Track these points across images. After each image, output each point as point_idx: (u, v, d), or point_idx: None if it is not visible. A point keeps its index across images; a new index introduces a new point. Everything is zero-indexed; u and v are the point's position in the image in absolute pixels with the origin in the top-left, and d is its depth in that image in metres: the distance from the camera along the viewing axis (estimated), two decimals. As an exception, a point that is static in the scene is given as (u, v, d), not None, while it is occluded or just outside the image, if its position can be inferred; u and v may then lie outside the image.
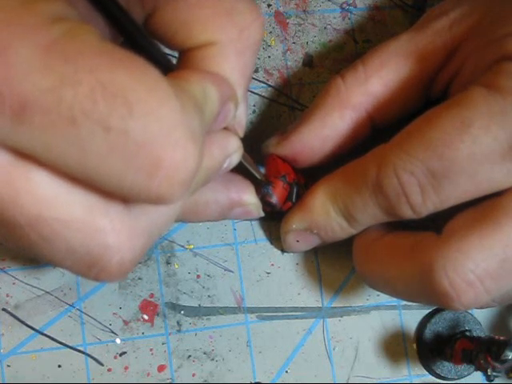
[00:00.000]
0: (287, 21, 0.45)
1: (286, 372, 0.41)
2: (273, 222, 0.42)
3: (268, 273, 0.42)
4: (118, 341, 0.40)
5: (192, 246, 0.41)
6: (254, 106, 0.43)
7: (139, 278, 0.40)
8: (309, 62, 0.45)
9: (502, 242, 0.32)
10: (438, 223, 0.35)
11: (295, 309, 0.42)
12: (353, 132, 0.38)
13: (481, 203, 0.33)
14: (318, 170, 0.39)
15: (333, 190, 0.37)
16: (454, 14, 0.37)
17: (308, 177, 0.40)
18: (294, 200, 0.39)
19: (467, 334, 0.42)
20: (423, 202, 0.33)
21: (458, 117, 0.32)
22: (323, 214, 0.37)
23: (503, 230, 0.32)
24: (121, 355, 0.40)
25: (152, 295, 0.40)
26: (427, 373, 0.43)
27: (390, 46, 0.38)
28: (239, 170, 0.36)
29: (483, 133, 0.31)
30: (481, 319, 0.43)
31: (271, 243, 0.42)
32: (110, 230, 0.25)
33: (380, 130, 0.39)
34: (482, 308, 0.37)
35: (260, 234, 0.42)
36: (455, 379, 0.42)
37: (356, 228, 0.37)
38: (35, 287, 0.39)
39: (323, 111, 0.38)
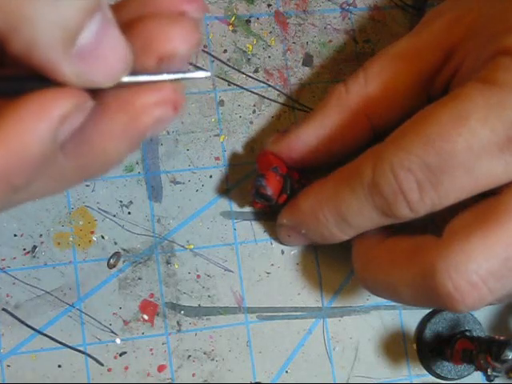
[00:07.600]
0: (287, 21, 0.45)
1: (286, 372, 0.41)
2: (272, 222, 0.42)
3: (268, 273, 0.42)
4: (118, 341, 0.40)
5: (192, 246, 0.41)
6: (254, 106, 0.43)
7: (139, 278, 0.40)
8: (309, 62, 0.45)
9: (504, 241, 0.32)
10: (438, 225, 0.34)
11: (295, 309, 0.42)
12: (351, 135, 0.39)
13: (480, 202, 0.33)
14: (315, 173, 0.39)
15: (324, 196, 0.37)
16: (450, 15, 0.37)
17: (302, 174, 0.40)
18: (288, 191, 0.39)
19: (467, 333, 0.42)
20: (421, 198, 0.32)
21: (454, 110, 0.32)
22: (312, 218, 0.37)
23: (504, 228, 0.32)
24: (121, 355, 0.40)
25: (152, 295, 0.40)
26: (427, 373, 0.43)
27: (389, 51, 0.38)
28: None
29: (481, 125, 0.31)
30: (481, 319, 0.43)
31: (271, 243, 0.42)
32: None
33: (382, 133, 0.39)
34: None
35: (260, 234, 0.42)
36: (455, 379, 0.42)
37: (347, 233, 0.37)
38: (35, 287, 0.39)
39: (322, 112, 0.39)
